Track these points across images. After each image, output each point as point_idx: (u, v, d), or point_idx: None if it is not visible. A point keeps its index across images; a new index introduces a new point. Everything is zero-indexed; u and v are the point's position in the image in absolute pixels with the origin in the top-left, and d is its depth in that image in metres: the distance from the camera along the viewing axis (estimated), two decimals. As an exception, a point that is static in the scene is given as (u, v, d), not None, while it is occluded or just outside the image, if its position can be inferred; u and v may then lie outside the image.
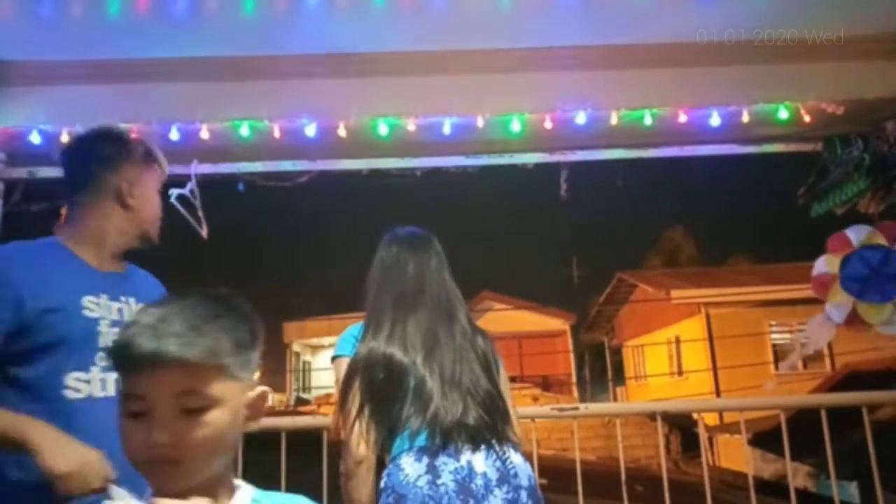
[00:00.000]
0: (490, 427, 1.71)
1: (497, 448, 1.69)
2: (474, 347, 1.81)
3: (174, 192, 2.16)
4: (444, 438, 1.65)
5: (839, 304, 2.87)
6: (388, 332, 1.77)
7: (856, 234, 2.90)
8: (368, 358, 1.74)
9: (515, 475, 1.66)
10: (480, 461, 1.64)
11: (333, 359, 1.84)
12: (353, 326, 1.86)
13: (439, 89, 2.77)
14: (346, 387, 1.74)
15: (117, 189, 1.67)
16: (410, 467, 1.62)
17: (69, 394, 1.50)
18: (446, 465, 1.62)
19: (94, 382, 1.54)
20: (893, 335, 2.89)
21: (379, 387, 1.71)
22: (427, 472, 1.60)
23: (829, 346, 14.73)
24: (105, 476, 1.33)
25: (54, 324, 1.50)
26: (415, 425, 1.66)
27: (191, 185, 2.70)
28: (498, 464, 1.66)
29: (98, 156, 1.69)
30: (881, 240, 2.87)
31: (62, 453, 1.35)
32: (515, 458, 1.70)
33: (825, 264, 2.92)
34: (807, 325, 3.07)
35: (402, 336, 1.76)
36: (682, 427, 13.48)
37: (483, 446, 1.67)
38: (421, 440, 1.65)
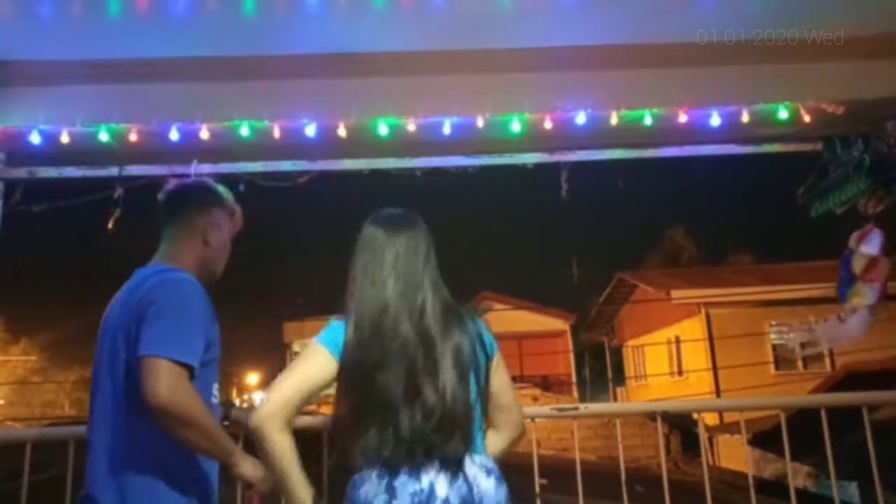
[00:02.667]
0: (455, 443, 1.60)
1: (466, 470, 1.59)
2: (449, 345, 1.66)
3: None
4: (409, 454, 1.57)
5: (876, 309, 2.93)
6: (369, 334, 1.65)
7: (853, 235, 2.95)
8: (352, 366, 1.65)
9: (481, 502, 1.57)
10: (444, 485, 1.56)
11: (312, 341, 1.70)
12: (339, 323, 1.72)
13: (439, 89, 2.76)
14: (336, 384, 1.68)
15: (203, 228, 1.97)
16: (370, 484, 1.57)
17: (213, 399, 1.89)
18: (405, 486, 1.55)
19: (217, 392, 1.94)
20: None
21: (360, 394, 1.64)
22: (385, 492, 1.55)
23: (829, 345, 14.73)
24: (272, 482, 1.77)
25: (216, 341, 1.86)
26: (382, 437, 1.59)
27: (195, 177, 2.70)
28: (464, 489, 1.56)
29: (193, 200, 2.01)
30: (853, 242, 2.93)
31: (255, 465, 1.77)
32: (485, 483, 1.60)
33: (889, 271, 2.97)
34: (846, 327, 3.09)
35: (379, 338, 1.65)
36: (682, 427, 13.47)
37: (448, 469, 1.58)
38: (386, 453, 1.58)
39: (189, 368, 1.68)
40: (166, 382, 1.62)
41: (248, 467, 1.77)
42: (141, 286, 1.80)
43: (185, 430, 1.65)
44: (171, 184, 2.08)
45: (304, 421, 3.36)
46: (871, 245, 2.95)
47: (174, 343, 1.67)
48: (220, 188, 2.09)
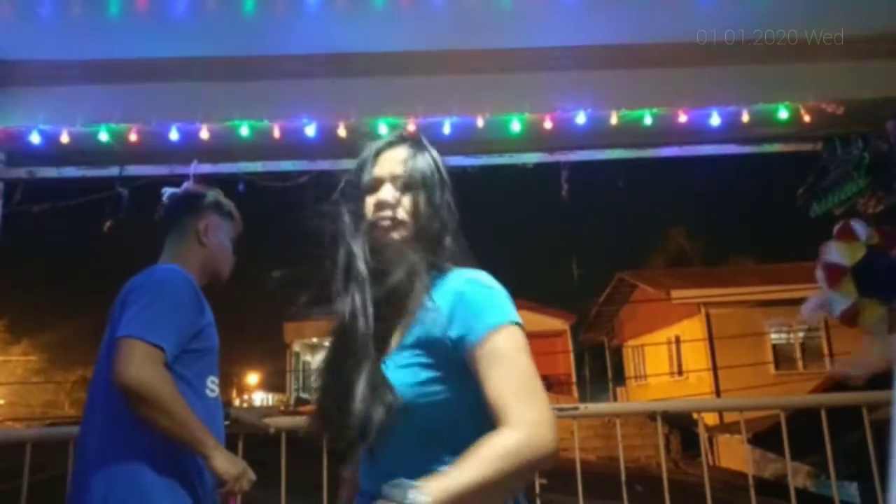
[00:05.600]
0: None
1: None
2: None
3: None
4: None
5: (844, 296, 2.88)
6: None
7: (863, 230, 2.91)
8: None
9: None
10: None
11: (513, 325, 1.16)
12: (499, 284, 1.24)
13: (439, 89, 2.77)
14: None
15: (197, 230, 2.01)
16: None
17: (209, 393, 1.86)
18: None
19: (216, 386, 1.91)
20: (878, 340, 2.90)
21: None
22: None
23: (829, 345, 14.74)
24: (252, 480, 1.75)
25: (211, 334, 1.87)
26: None
27: (187, 184, 2.70)
28: None
29: (186, 206, 2.06)
30: (876, 240, 2.90)
31: (231, 461, 1.72)
32: None
33: (839, 254, 2.90)
34: (806, 302, 3.07)
35: None
36: (682, 427, 13.48)
37: None
38: None
39: (162, 350, 1.67)
40: (135, 361, 1.62)
41: (221, 462, 1.70)
42: (131, 281, 1.85)
43: (152, 412, 1.63)
44: (166, 196, 2.13)
45: (305, 421, 3.35)
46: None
47: (147, 324, 1.68)
48: (214, 193, 2.12)
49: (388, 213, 1.21)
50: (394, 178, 1.23)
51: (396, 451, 1.13)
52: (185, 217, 2.04)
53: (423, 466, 1.08)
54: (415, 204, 1.21)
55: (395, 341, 1.17)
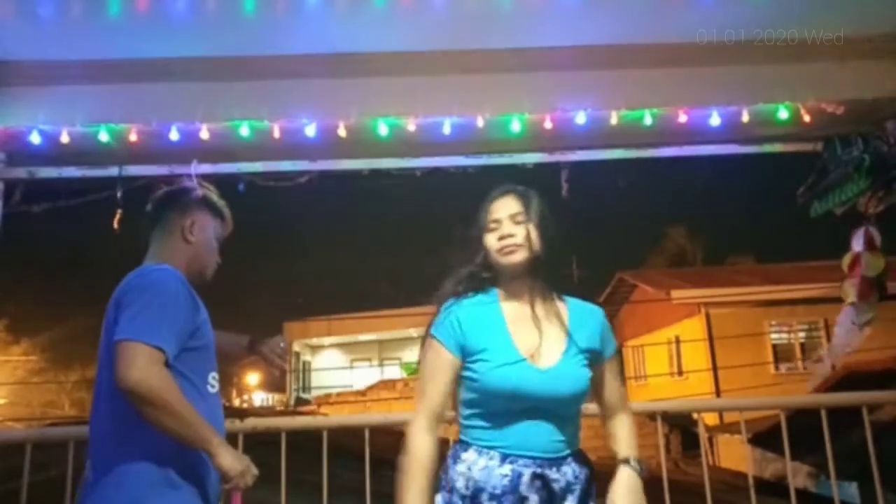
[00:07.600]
0: None
1: None
2: None
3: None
4: None
5: (870, 307, 2.93)
6: None
7: (877, 235, 2.95)
8: None
9: None
10: None
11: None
12: None
13: (439, 89, 2.77)
14: None
15: (183, 227, 1.99)
16: None
17: (210, 389, 1.88)
18: None
19: (216, 381, 1.93)
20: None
21: None
22: None
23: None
24: (255, 476, 1.78)
25: (206, 331, 1.89)
26: None
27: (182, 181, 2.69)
28: None
29: (173, 202, 2.04)
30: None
31: (236, 457, 1.75)
32: None
33: (869, 267, 2.95)
34: (837, 330, 3.10)
35: None
36: (682, 427, 13.46)
37: None
38: None
39: (162, 351, 1.68)
40: (137, 364, 1.63)
41: (226, 458, 1.73)
42: (123, 282, 1.85)
43: (156, 413, 1.64)
44: (156, 192, 2.11)
45: (304, 421, 3.36)
46: (855, 241, 2.98)
47: (145, 326, 1.69)
48: (203, 190, 2.10)
49: (509, 241, 1.63)
50: (511, 216, 1.65)
51: (568, 419, 1.68)
52: (170, 213, 2.02)
53: (574, 432, 1.73)
54: (528, 234, 1.63)
55: (561, 345, 1.64)
